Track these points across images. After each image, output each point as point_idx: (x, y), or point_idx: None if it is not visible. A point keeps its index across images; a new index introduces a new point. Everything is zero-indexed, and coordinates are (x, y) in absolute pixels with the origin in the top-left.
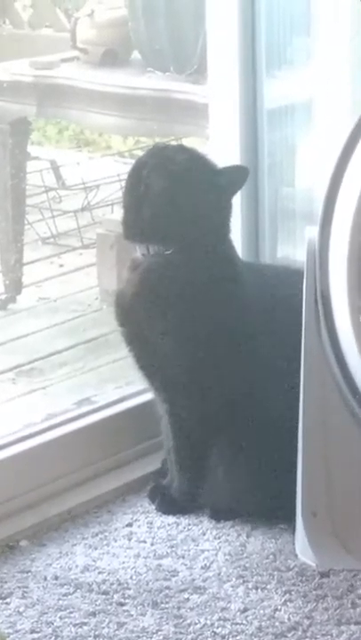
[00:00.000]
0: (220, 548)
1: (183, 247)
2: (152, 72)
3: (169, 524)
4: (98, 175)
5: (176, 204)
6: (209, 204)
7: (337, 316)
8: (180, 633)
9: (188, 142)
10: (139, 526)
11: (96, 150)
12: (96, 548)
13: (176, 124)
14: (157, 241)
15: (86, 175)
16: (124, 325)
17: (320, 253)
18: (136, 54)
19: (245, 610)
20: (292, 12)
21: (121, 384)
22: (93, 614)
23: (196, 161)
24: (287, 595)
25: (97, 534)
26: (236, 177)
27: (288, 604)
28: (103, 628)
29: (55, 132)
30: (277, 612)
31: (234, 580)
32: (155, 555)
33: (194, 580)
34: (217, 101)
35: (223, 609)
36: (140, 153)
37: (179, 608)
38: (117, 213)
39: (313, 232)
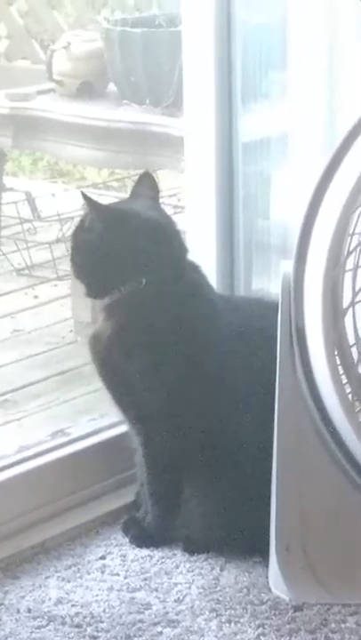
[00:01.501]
0: (193, 581)
1: (152, 277)
2: (128, 104)
3: (142, 557)
4: (73, 207)
5: (122, 243)
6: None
7: (312, 349)
8: None
9: (163, 174)
10: (112, 559)
11: (70, 181)
12: (69, 581)
13: (151, 156)
14: (129, 279)
15: (61, 207)
16: (101, 367)
17: (295, 287)
18: (112, 87)
19: None
20: (268, 45)
21: (95, 416)
22: None
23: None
24: (261, 628)
25: (70, 567)
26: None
27: (261, 637)
28: None
29: (29, 162)
30: None
31: (207, 613)
32: (128, 588)
33: (167, 613)
34: (192, 134)
35: None
36: (115, 184)
37: None
38: None
39: (288, 266)
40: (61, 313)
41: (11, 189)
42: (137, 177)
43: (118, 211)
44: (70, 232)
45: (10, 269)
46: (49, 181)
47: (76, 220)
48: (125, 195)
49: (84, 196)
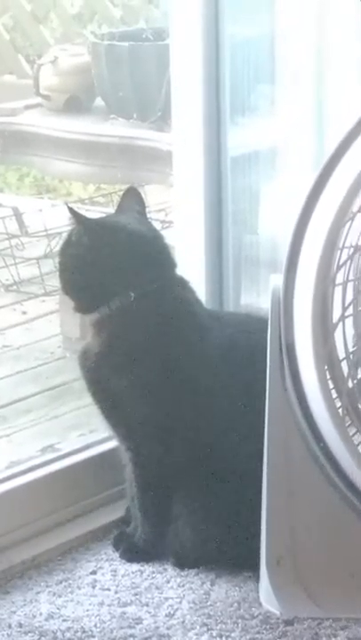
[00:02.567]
0: (184, 595)
1: (141, 291)
2: (115, 119)
3: (133, 572)
4: (60, 222)
5: (110, 257)
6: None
7: (302, 364)
8: None
9: (150, 189)
10: (103, 574)
11: (57, 197)
12: (60, 596)
13: (139, 171)
14: (117, 294)
15: (49, 222)
16: (90, 383)
17: (285, 302)
18: (99, 101)
19: None
20: (256, 59)
21: (85, 431)
22: None
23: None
24: None
25: (61, 582)
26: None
27: None
28: None
29: (16, 178)
30: None
31: (198, 627)
32: (119, 602)
33: (158, 627)
34: (181, 148)
35: None
36: (102, 200)
37: None
38: None
39: (277, 280)
40: (50, 329)
41: None
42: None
43: (105, 224)
44: (58, 247)
45: None
46: (35, 197)
47: (64, 236)
48: (112, 210)
49: (71, 210)
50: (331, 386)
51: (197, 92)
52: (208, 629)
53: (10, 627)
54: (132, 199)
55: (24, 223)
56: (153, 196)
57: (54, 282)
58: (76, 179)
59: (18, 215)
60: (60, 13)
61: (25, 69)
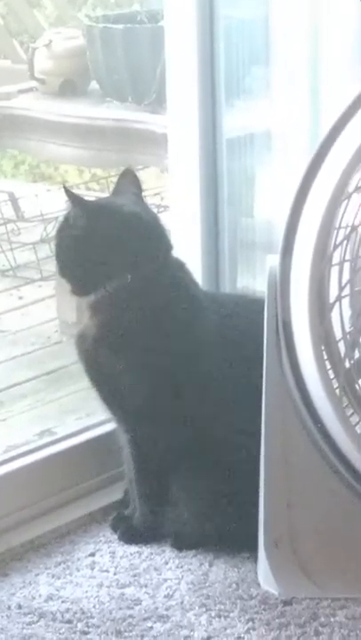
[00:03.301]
0: (182, 576)
1: (137, 273)
2: (110, 102)
3: (131, 554)
4: (56, 207)
5: (106, 238)
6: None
7: (298, 344)
8: None
9: (145, 174)
10: (101, 556)
11: (52, 185)
12: (59, 578)
13: (135, 154)
14: (114, 276)
15: (45, 207)
16: (87, 365)
17: (281, 282)
18: (94, 84)
19: (209, 638)
20: (251, 41)
21: (82, 415)
22: None
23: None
24: (250, 623)
25: (60, 564)
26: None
27: (251, 631)
28: None
29: (11, 166)
30: None
31: (197, 608)
32: (118, 584)
33: (157, 608)
34: (176, 131)
35: (186, 637)
36: (96, 186)
37: (142, 636)
38: None
39: (274, 260)
40: (46, 313)
41: None
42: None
43: (102, 206)
44: (54, 232)
45: None
46: (31, 183)
47: (60, 219)
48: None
49: (67, 191)
50: (328, 366)
51: (192, 74)
52: (207, 610)
53: (9, 608)
54: (129, 181)
55: (20, 208)
56: (148, 181)
57: (50, 267)
58: (70, 162)
59: (14, 200)
60: None
61: (19, 54)
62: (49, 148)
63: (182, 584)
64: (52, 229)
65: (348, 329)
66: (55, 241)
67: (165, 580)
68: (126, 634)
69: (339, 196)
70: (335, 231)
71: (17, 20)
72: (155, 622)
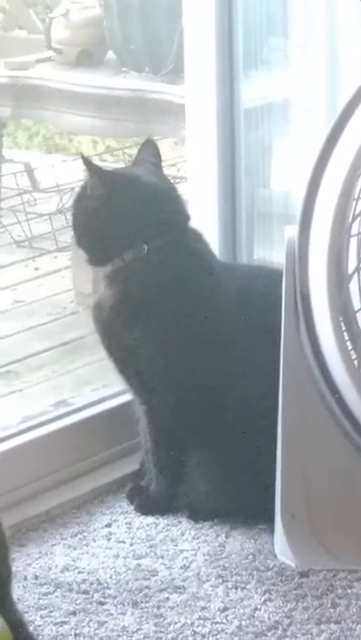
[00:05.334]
0: (199, 548)
1: (154, 243)
2: (127, 72)
3: (148, 525)
4: (72, 178)
5: (124, 208)
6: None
7: (317, 315)
8: (160, 632)
9: (162, 145)
10: (118, 527)
11: (67, 156)
12: (75, 549)
13: (152, 124)
14: (130, 246)
15: (60, 178)
16: (104, 337)
17: (300, 252)
18: (111, 54)
19: (225, 609)
20: (269, 11)
21: (98, 386)
22: (74, 613)
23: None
24: (267, 594)
25: (76, 534)
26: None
27: (268, 603)
28: (84, 627)
29: (25, 137)
30: (257, 612)
31: (213, 579)
32: (134, 555)
33: (173, 579)
34: (193, 101)
35: (203, 608)
36: (110, 157)
37: (159, 607)
38: None
39: (292, 232)
40: (62, 284)
41: (10, 160)
42: (133, 149)
43: (120, 175)
44: (70, 203)
45: (10, 241)
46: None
47: (77, 190)
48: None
49: (86, 161)
50: (346, 337)
51: (210, 44)
52: (223, 581)
53: (25, 579)
54: (149, 151)
55: (36, 179)
56: (164, 152)
57: (66, 237)
58: (87, 132)
59: (29, 171)
60: None
61: (36, 24)
62: (65, 118)
63: (199, 555)
64: (67, 200)
65: None
66: (72, 211)
67: (182, 552)
68: (142, 605)
69: (358, 167)
70: (354, 202)
71: None
72: (171, 593)
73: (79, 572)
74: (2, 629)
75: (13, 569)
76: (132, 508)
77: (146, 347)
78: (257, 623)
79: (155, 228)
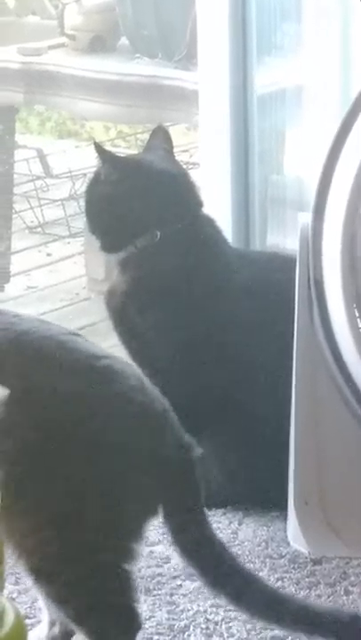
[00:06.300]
0: None
1: (167, 230)
2: (140, 58)
3: None
4: (84, 164)
5: (136, 194)
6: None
7: (330, 302)
8: (173, 619)
9: (174, 131)
10: None
11: (79, 141)
12: None
13: (165, 110)
14: (143, 232)
15: (73, 164)
16: (116, 322)
17: (313, 239)
18: (124, 40)
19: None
20: None
21: None
22: None
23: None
24: (280, 582)
25: None
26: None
27: (281, 590)
28: None
29: (37, 123)
30: None
31: None
32: (147, 542)
33: (186, 566)
34: (206, 87)
35: (216, 595)
36: (123, 143)
37: (171, 595)
38: None
39: (306, 218)
40: (75, 270)
41: (23, 146)
42: (145, 135)
43: (133, 162)
44: (83, 189)
45: (22, 227)
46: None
47: (90, 176)
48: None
49: (98, 147)
50: (359, 324)
51: (223, 30)
52: None
53: None
54: (160, 138)
55: (48, 165)
56: (176, 139)
57: (79, 223)
58: (100, 118)
59: (42, 157)
60: None
61: (49, 10)
62: (78, 104)
63: None
64: (80, 186)
65: None
66: (85, 197)
67: None
68: (155, 592)
69: None
70: None
71: None
72: (184, 580)
73: None
74: (16, 623)
75: None
76: None
77: (158, 333)
78: None
79: (168, 215)
